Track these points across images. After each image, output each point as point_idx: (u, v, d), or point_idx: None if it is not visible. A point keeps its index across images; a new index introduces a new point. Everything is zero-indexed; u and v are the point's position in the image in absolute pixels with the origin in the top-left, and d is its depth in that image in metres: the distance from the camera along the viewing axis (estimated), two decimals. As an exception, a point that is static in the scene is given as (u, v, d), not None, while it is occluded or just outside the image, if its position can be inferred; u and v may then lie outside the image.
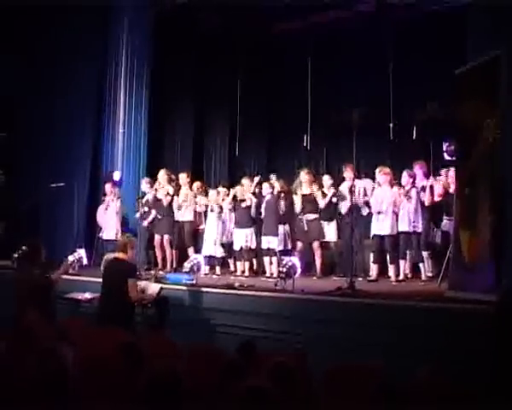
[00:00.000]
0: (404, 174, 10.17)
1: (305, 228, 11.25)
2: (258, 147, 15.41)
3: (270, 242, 11.03)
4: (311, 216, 11.24)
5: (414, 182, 10.10)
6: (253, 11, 12.81)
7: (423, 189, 10.12)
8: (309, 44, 13.95)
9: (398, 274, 10.16)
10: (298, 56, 14.33)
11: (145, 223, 11.88)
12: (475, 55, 7.98)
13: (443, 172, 10.28)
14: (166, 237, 11.83)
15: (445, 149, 9.70)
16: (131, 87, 13.04)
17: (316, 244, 11.18)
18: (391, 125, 12.62)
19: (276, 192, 11.33)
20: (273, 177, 12.32)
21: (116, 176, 12.64)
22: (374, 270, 10.43)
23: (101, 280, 7.92)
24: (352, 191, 10.25)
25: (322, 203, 11.14)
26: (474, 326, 6.56)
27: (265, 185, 11.44)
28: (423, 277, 10.01)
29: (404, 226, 10.03)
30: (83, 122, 12.94)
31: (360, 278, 9.93)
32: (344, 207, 10.96)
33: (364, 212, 10.67)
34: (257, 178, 11.98)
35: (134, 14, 12.93)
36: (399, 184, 10.26)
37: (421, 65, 12.37)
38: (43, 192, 12.33)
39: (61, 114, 12.78)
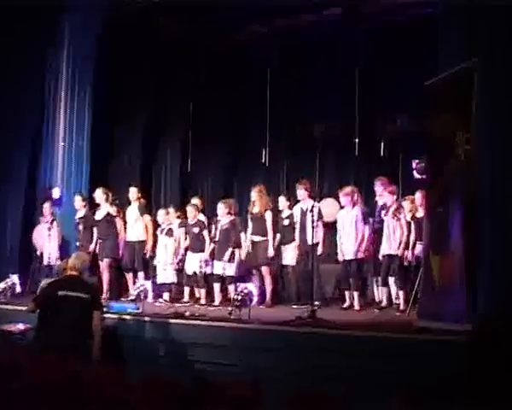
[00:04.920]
0: (386, 194, 10.29)
1: (250, 250, 11.34)
2: (212, 162, 15.32)
3: (226, 268, 11.05)
4: (257, 238, 11.28)
5: (397, 199, 10.26)
6: (212, 16, 12.87)
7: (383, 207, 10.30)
8: (268, 53, 14.02)
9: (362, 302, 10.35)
10: (257, 65, 14.40)
11: (91, 247, 11.78)
12: (447, 66, 8.15)
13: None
14: (107, 260, 11.81)
15: (414, 166, 9.84)
16: (73, 97, 13.00)
17: (264, 269, 11.18)
18: (356, 140, 12.76)
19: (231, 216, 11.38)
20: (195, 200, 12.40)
21: (55, 193, 12.55)
22: (347, 297, 10.50)
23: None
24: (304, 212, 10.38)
25: (269, 226, 11.18)
26: (443, 357, 6.70)
27: (220, 207, 11.44)
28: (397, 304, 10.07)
29: (387, 249, 10.14)
30: (19, 134, 12.75)
31: (317, 306, 9.91)
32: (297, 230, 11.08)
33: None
34: (196, 201, 12.12)
35: (78, 19, 12.83)
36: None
37: (391, 75, 12.50)
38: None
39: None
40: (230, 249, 11.13)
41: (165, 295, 11.55)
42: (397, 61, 12.37)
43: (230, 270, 11.07)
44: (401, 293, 9.95)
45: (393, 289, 10.14)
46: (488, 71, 7.59)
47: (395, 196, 10.25)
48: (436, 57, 8.54)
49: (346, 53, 12.84)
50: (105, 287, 11.72)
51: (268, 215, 11.24)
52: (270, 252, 11.15)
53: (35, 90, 12.96)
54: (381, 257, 10.28)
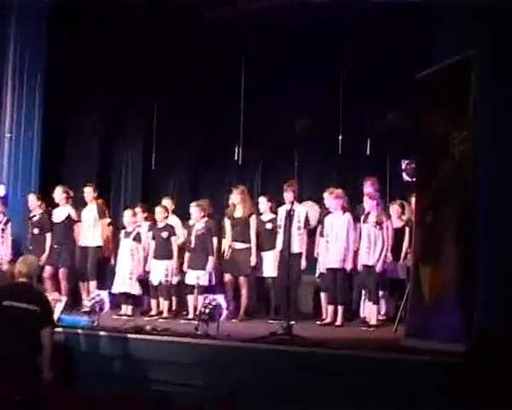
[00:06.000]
0: (366, 198, 10.16)
1: (227, 258, 11.22)
2: (178, 160, 15.27)
3: (200, 277, 10.84)
4: (240, 245, 11.11)
5: (378, 205, 10.10)
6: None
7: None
8: (243, 39, 13.85)
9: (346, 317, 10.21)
10: (229, 53, 14.19)
11: (43, 257, 11.49)
12: (443, 56, 8.05)
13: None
14: (63, 270, 11.60)
15: (404, 167, 9.75)
16: (22, 84, 12.97)
17: (243, 280, 11.02)
18: (340, 137, 12.68)
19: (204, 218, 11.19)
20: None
21: (0, 191, 12.34)
22: (329, 312, 10.31)
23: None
24: (290, 216, 10.20)
25: (253, 233, 11.04)
26: (433, 381, 6.55)
27: (194, 210, 11.22)
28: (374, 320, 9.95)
29: (365, 260, 9.98)
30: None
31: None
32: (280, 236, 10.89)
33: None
34: (166, 202, 11.96)
35: (24, 6, 12.85)
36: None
37: (380, 66, 12.36)
38: None
39: None
40: (211, 258, 10.92)
41: (128, 308, 11.34)
42: (387, 50, 12.30)
43: (204, 279, 10.87)
44: (374, 308, 9.88)
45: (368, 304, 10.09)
46: (487, 62, 7.52)
47: (375, 201, 10.07)
48: (430, 46, 8.47)
49: (330, 40, 12.74)
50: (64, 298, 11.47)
51: (253, 220, 11.09)
52: (253, 260, 11.00)
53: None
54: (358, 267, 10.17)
